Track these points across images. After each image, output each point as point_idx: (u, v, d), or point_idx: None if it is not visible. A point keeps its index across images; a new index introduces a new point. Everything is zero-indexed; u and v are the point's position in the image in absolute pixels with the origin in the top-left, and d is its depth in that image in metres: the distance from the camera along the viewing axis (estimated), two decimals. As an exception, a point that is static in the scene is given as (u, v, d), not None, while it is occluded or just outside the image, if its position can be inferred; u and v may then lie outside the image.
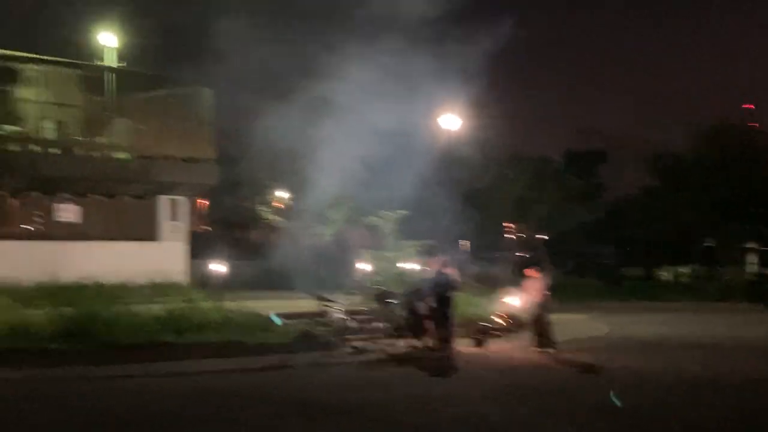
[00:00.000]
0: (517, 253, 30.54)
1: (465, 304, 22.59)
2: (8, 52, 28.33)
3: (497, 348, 22.13)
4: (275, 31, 30.41)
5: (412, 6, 29.21)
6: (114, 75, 30.65)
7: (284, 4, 30.55)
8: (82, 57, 30.97)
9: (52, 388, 17.35)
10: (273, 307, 24.31)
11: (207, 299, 24.70)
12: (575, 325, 24.45)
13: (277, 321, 22.40)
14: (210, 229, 41.35)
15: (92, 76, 30.37)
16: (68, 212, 29.06)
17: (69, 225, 28.99)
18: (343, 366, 19.75)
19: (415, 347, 21.11)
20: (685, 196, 40.93)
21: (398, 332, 21.93)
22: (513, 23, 31.69)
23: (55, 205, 28.86)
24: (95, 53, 31.08)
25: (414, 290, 22.12)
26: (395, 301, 22.76)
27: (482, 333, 22.77)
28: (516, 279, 23.57)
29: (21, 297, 24.07)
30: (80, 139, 29.35)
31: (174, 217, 30.74)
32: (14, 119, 28.24)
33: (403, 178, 30.55)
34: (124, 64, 31.24)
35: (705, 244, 42.62)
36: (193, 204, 33.89)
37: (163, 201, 30.49)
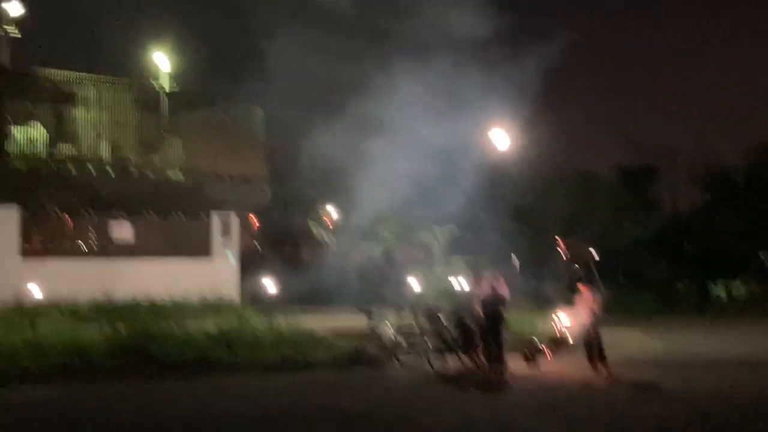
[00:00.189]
0: (568, 270, 30.11)
1: (515, 320, 22.25)
2: (65, 73, 28.70)
3: (548, 365, 21.78)
4: (326, 51, 30.52)
5: (462, 26, 29.12)
6: (166, 96, 30.86)
7: (335, 24, 30.62)
8: (137, 78, 31.19)
9: (105, 405, 17.35)
10: (323, 325, 24.24)
11: (258, 316, 24.69)
12: (627, 341, 23.99)
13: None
14: (260, 246, 41.43)
15: (147, 97, 30.65)
16: (122, 230, 29.29)
17: (123, 243, 29.24)
18: (392, 382, 19.55)
19: (464, 364, 20.84)
20: (740, 211, 40.38)
21: (448, 349, 21.66)
22: (563, 40, 31.50)
23: (110, 224, 29.04)
24: (150, 74, 31.27)
25: (464, 307, 21.84)
26: (445, 318, 22.50)
27: (532, 350, 22.41)
28: (567, 295, 23.20)
29: (77, 314, 24.33)
30: (135, 158, 29.55)
31: (226, 234, 30.83)
32: (70, 139, 28.56)
33: (452, 195, 30.41)
34: (178, 85, 31.38)
35: (760, 259, 41.78)
36: (245, 221, 33.95)
37: (215, 219, 30.58)
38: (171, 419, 15.90)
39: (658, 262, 35.62)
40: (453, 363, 21.03)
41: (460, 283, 22.82)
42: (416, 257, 31.52)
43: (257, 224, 42.50)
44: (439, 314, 22.77)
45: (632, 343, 24.17)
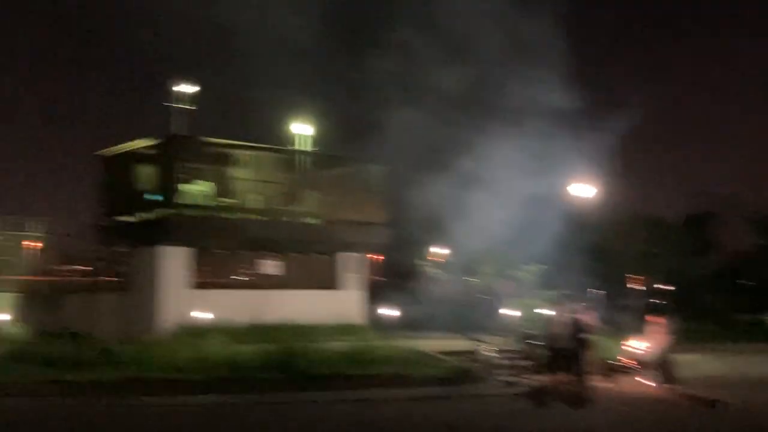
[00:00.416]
0: (642, 302, 29.76)
1: (597, 345, 22.16)
2: (225, 141, 29.28)
3: (626, 384, 21.64)
4: (437, 118, 31.04)
5: (551, 98, 29.33)
6: (305, 157, 31.38)
7: (444, 97, 31.12)
8: (280, 143, 31.83)
9: (257, 410, 18.00)
10: (434, 346, 24.46)
11: (380, 338, 25.07)
12: (694, 364, 23.59)
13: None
14: (382, 279, 41.75)
15: (288, 158, 31.19)
16: (270, 266, 29.75)
17: (271, 276, 29.65)
18: (494, 397, 19.74)
19: (555, 382, 20.85)
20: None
21: (540, 369, 21.73)
22: (638, 104, 31.52)
23: (260, 261, 29.60)
24: (292, 140, 31.92)
25: (554, 333, 21.88)
26: (537, 342, 22.57)
27: (613, 371, 22.33)
28: (641, 324, 23.04)
29: (234, 335, 24.65)
30: (281, 208, 30.03)
31: (353, 269, 31.15)
32: (230, 193, 29.15)
33: (541, 237, 30.42)
34: (313, 148, 31.95)
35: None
36: (368, 259, 34.27)
37: (345, 257, 30.92)
38: (310, 423, 16.46)
39: (718, 296, 34.70)
40: (545, 380, 21.10)
41: (550, 312, 22.83)
42: (511, 290, 31.41)
43: (379, 261, 42.93)
44: (532, 338, 22.91)
45: (695, 366, 23.80)
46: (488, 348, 22.99)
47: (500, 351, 22.97)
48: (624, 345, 23.69)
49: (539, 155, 30.18)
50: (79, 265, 32.24)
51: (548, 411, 17.70)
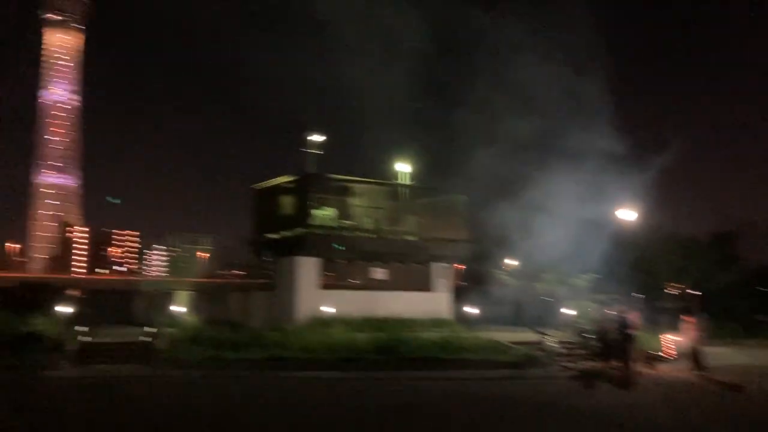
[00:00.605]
0: (676, 304, 28.61)
1: (640, 339, 21.46)
2: (345, 177, 29.84)
3: (664, 370, 20.89)
4: (506, 155, 30.86)
5: (598, 140, 28.82)
6: (405, 188, 31.58)
7: (510, 142, 30.95)
8: (386, 178, 32.10)
9: (371, 384, 18.21)
10: (507, 338, 24.17)
11: (464, 330, 24.94)
12: (721, 356, 22.58)
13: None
14: (464, 284, 41.56)
15: (392, 190, 31.46)
16: (379, 273, 29.91)
17: (379, 281, 29.76)
18: (555, 378, 19.39)
19: (605, 367, 20.34)
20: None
21: (593, 357, 21.24)
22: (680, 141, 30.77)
23: (371, 269, 29.86)
24: (394, 174, 32.14)
25: (604, 328, 21.38)
26: (590, 336, 22.07)
27: (653, 359, 21.60)
28: (677, 322, 22.23)
29: (352, 325, 25.07)
30: (386, 228, 30.27)
31: (443, 276, 31.13)
32: (348, 216, 29.61)
33: (593, 251, 29.79)
34: (411, 182, 32.10)
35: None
36: (454, 268, 34.17)
37: (436, 266, 30.93)
38: (411, 394, 16.57)
39: (742, 301, 33.01)
40: (596, 366, 20.62)
41: (601, 312, 22.30)
42: (569, 294, 30.77)
43: (462, 269, 42.78)
44: (586, 333, 22.40)
45: (722, 357, 22.70)
46: (550, 340, 22.58)
47: (560, 342, 22.54)
48: (662, 339, 22.91)
49: (591, 185, 29.64)
50: (236, 270, 33.22)
51: (598, 391, 17.30)
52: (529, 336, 23.48)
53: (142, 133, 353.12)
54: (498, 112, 32.84)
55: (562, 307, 27.77)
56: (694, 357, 20.50)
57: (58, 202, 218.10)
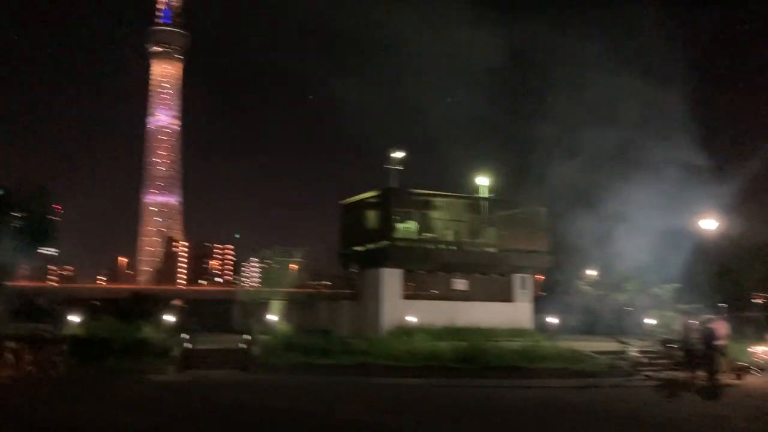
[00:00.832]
0: (763, 314, 27.17)
1: (726, 349, 20.47)
2: (426, 191, 29.97)
3: (752, 382, 19.84)
4: (586, 166, 30.28)
5: (680, 150, 27.87)
6: (485, 201, 31.44)
7: (589, 153, 30.34)
8: (466, 191, 32.04)
9: (451, 391, 18.17)
10: (588, 347, 23.57)
11: (545, 340, 24.46)
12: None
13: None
14: (545, 294, 40.77)
15: (472, 203, 31.36)
16: (460, 283, 29.73)
17: (460, 291, 29.58)
18: (637, 388, 18.76)
19: (690, 378, 19.53)
20: None
21: (677, 367, 20.42)
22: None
23: (452, 279, 29.76)
24: (474, 188, 32.03)
25: (689, 338, 20.55)
26: (673, 345, 21.23)
27: (740, 370, 20.54)
28: (763, 333, 21.11)
29: (433, 334, 24.97)
30: (467, 240, 30.15)
31: (523, 287, 30.70)
32: (430, 229, 29.69)
33: (676, 261, 28.74)
34: (490, 194, 31.91)
35: None
36: (535, 278, 33.59)
37: (516, 277, 30.56)
38: (492, 401, 16.43)
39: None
40: (680, 376, 19.83)
41: (686, 321, 21.43)
42: (651, 303, 29.69)
43: (542, 280, 42.01)
44: (669, 342, 21.58)
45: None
46: (632, 349, 21.86)
47: (642, 352, 21.79)
48: (749, 350, 21.77)
49: (673, 195, 28.64)
50: (325, 281, 33.83)
51: (683, 401, 16.60)
52: (610, 345, 22.82)
53: (238, 154, 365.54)
54: (578, 124, 32.31)
55: (644, 316, 26.85)
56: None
57: (161, 219, 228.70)
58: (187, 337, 23.73)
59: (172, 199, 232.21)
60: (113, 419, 13.47)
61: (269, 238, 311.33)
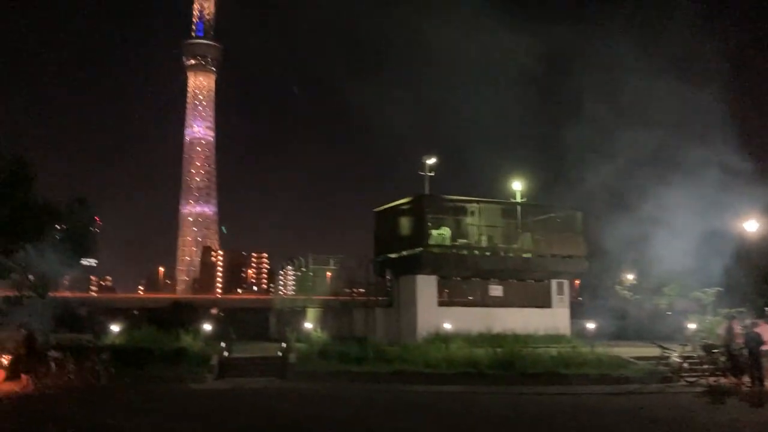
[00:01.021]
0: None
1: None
2: (459, 197, 29.96)
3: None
4: (623, 170, 29.78)
5: (719, 152, 27.24)
6: (520, 206, 31.25)
7: (626, 156, 29.84)
8: (502, 196, 31.90)
9: (490, 399, 17.99)
10: (627, 352, 23.16)
11: (583, 345, 24.11)
12: None
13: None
14: (582, 299, 40.31)
15: (507, 208, 31.18)
16: (495, 290, 29.62)
17: (496, 298, 29.46)
18: (681, 395, 18.34)
19: (735, 384, 19.05)
20: None
21: (720, 373, 19.92)
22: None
23: (487, 286, 29.59)
24: (509, 193, 31.88)
25: (731, 343, 20.06)
26: (718, 350, 20.71)
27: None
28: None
29: (470, 341, 24.93)
30: (502, 246, 30.01)
31: (559, 292, 30.41)
32: (464, 235, 29.63)
33: (717, 265, 28.04)
34: (525, 199, 31.69)
35: None
36: (571, 284, 33.17)
37: (553, 283, 30.27)
38: (531, 409, 16.22)
39: None
40: (723, 382, 19.35)
41: (729, 326, 20.93)
42: (692, 308, 29.07)
43: (579, 285, 41.48)
44: (712, 347, 21.06)
45: None
46: (674, 354, 21.39)
47: (684, 357, 21.29)
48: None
49: (713, 198, 28.00)
50: (360, 288, 33.86)
51: (730, 408, 16.18)
52: (650, 350, 22.37)
53: (271, 163, 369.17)
54: (614, 126, 31.83)
55: (685, 321, 26.28)
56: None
57: (198, 229, 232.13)
58: (225, 345, 23.99)
59: (208, 209, 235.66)
60: (159, 428, 13.67)
61: (303, 247, 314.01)
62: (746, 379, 18.88)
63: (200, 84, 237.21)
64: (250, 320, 36.56)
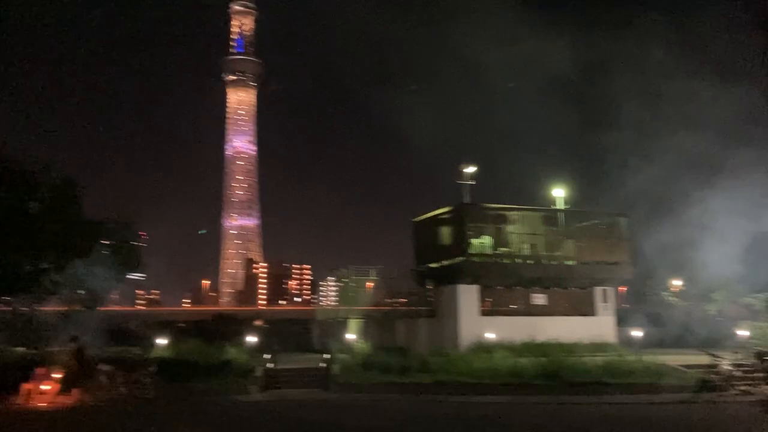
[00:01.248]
0: None
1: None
2: (500, 205, 29.68)
3: None
4: (667, 176, 29.29)
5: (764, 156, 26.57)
6: (562, 213, 30.92)
7: (669, 161, 29.33)
8: (543, 203, 31.58)
9: (536, 409, 17.81)
10: (676, 360, 22.64)
11: (630, 354, 23.68)
12: None
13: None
14: (628, 306, 39.50)
15: (549, 215, 30.87)
16: (538, 298, 29.27)
17: (540, 306, 29.11)
18: (732, 404, 17.86)
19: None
20: None
21: (774, 381, 19.34)
22: None
23: (531, 294, 29.30)
24: (551, 200, 31.54)
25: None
26: (770, 358, 20.13)
27: None
28: None
29: (513, 351, 24.60)
30: (544, 253, 29.67)
31: (605, 300, 29.85)
32: (505, 243, 29.35)
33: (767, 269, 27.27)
34: (567, 206, 31.33)
35: None
36: (616, 291, 32.57)
37: (597, 290, 29.76)
38: (577, 420, 15.98)
39: None
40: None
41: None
42: (743, 314, 28.25)
43: (625, 292, 40.72)
44: (766, 354, 20.46)
45: None
46: (725, 362, 20.83)
47: (736, 365, 20.72)
48: None
49: (761, 201, 27.27)
50: (401, 298, 33.89)
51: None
52: (700, 359, 21.84)
53: (312, 175, 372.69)
54: (657, 130, 31.35)
55: (736, 328, 25.56)
56: None
57: (240, 242, 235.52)
58: (269, 357, 24.28)
59: (251, 222, 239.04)
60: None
61: (344, 258, 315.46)
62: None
63: (241, 99, 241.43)
64: (293, 331, 36.90)
